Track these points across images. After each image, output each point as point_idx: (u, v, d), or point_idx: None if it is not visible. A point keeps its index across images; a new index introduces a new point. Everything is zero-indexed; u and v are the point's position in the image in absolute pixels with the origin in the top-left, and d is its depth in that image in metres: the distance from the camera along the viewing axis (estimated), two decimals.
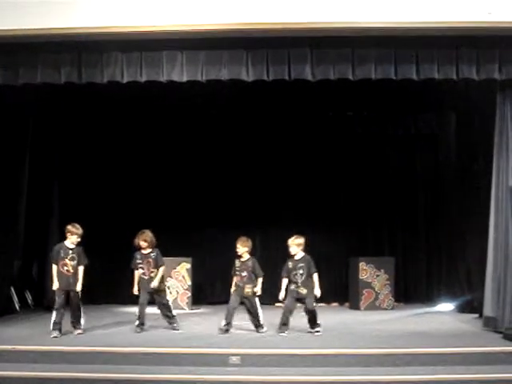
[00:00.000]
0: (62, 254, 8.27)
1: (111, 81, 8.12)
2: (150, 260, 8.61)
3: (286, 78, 8.02)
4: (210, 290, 11.99)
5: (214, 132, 11.87)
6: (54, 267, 8.28)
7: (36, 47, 8.03)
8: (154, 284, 8.47)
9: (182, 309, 10.72)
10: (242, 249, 8.58)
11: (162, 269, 8.61)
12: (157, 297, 8.61)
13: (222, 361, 7.04)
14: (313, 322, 8.41)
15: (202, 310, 11.04)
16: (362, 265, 11.10)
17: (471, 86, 8.68)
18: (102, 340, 7.96)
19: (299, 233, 8.78)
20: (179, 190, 12.04)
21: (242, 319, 8.79)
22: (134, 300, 10.96)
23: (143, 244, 8.62)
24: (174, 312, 8.79)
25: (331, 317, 8.97)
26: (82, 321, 8.34)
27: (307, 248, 8.76)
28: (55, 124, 11.42)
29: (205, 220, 11.94)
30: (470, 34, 7.84)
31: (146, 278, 8.56)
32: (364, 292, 11.08)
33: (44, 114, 10.91)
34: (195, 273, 11.26)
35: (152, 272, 8.56)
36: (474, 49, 7.95)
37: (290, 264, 8.55)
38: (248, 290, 8.48)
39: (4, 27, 7.74)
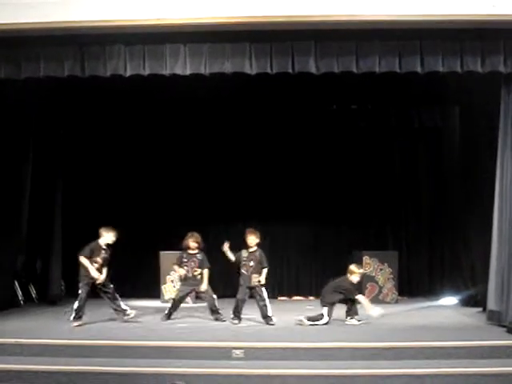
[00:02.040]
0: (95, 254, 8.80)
1: (114, 74, 8.10)
2: (196, 260, 9.16)
3: (290, 71, 7.98)
4: (213, 283, 11.96)
5: (217, 126, 11.84)
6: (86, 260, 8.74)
7: (38, 41, 8.01)
8: (204, 287, 9.06)
9: (186, 303, 10.69)
10: (255, 240, 8.81)
11: (206, 271, 9.14)
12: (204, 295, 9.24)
13: (225, 354, 7.05)
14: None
15: (205, 303, 11.01)
16: (366, 258, 11.09)
17: (475, 78, 8.63)
18: (106, 333, 7.99)
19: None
20: (183, 185, 12.03)
21: (250, 310, 8.92)
22: (134, 294, 11.07)
23: (193, 245, 9.16)
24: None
25: (334, 310, 8.95)
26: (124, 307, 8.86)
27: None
28: (58, 120, 11.41)
29: (209, 214, 11.93)
30: (474, 26, 7.80)
31: (189, 275, 9.16)
32: (368, 286, 11.06)
33: (47, 110, 10.90)
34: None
35: (195, 271, 9.12)
36: (479, 42, 7.90)
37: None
38: (255, 279, 8.68)
39: (6, 21, 7.72)
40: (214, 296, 9.14)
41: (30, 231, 10.79)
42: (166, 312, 9.10)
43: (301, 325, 8.54)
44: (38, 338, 7.52)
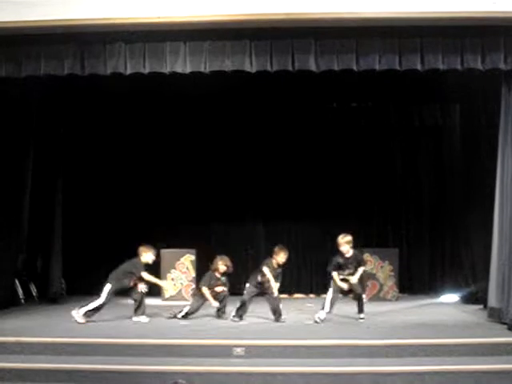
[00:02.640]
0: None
1: (114, 72, 8.10)
2: (220, 283, 9.11)
3: (290, 68, 7.98)
4: (214, 281, 11.97)
5: (218, 125, 11.86)
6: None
7: (39, 39, 8.01)
8: (219, 289, 9.06)
9: (187, 301, 10.70)
10: (285, 258, 8.83)
11: (226, 288, 9.16)
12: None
13: (226, 352, 7.06)
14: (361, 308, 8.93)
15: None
16: (367, 256, 11.05)
17: (476, 76, 8.64)
18: (107, 331, 8.00)
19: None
20: (184, 183, 12.02)
21: (251, 307, 8.95)
22: None
23: (223, 268, 9.10)
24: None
25: (336, 308, 8.97)
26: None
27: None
28: (59, 118, 11.42)
29: (209, 212, 11.95)
30: (474, 23, 7.80)
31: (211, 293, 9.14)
32: (368, 283, 11.06)
33: (48, 109, 10.91)
34: (199, 264, 11.26)
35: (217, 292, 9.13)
36: (479, 39, 7.89)
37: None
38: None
39: (6, 19, 7.72)
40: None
41: (30, 230, 10.80)
42: (179, 316, 9.02)
43: (319, 321, 8.60)
44: (38, 337, 7.52)
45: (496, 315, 8.36)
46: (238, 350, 7.07)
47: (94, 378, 6.64)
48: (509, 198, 8.21)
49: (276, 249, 8.88)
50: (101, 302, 8.65)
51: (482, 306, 9.50)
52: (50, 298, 10.75)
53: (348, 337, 7.55)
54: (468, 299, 10.48)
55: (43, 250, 11.25)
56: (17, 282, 10.49)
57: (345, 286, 8.84)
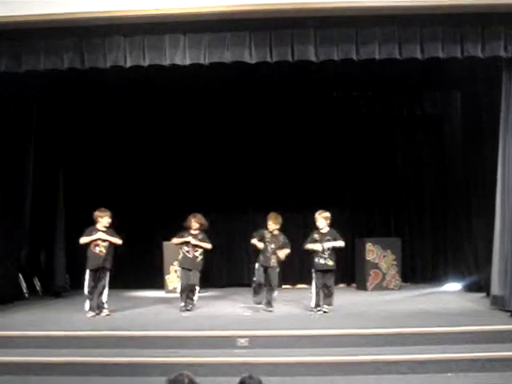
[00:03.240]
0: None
1: (114, 66, 8.09)
2: (199, 240, 9.01)
3: (290, 59, 7.97)
4: (216, 273, 12.01)
5: (218, 115, 11.84)
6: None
7: (38, 33, 8.01)
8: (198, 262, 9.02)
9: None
10: (274, 226, 8.79)
11: (208, 246, 9.08)
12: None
13: (230, 343, 7.07)
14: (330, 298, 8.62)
15: (208, 293, 11.06)
16: (369, 245, 11.10)
17: (476, 64, 8.61)
18: (111, 324, 8.02)
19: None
20: (185, 174, 12.03)
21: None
22: (137, 285, 11.12)
23: (195, 225, 9.03)
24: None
25: (338, 297, 8.99)
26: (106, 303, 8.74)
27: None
28: (59, 112, 11.40)
29: (210, 203, 11.93)
30: (474, 11, 7.77)
31: (189, 256, 9.03)
32: (371, 273, 11.09)
33: (48, 103, 10.90)
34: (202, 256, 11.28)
35: (196, 251, 9.01)
36: (479, 26, 7.86)
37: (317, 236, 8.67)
38: (273, 260, 8.72)
39: (6, 14, 7.71)
40: (194, 284, 9.03)
41: (33, 224, 10.82)
42: (183, 304, 8.98)
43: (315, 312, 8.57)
44: (43, 331, 7.54)
45: (499, 303, 8.37)
46: (242, 340, 7.08)
47: (99, 370, 6.65)
48: (510, 186, 8.20)
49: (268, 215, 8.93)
50: (85, 291, 8.65)
51: (484, 294, 9.52)
52: (54, 292, 10.78)
53: (351, 326, 7.57)
54: (471, 287, 10.49)
55: (46, 245, 11.26)
56: (20, 276, 10.51)
57: (319, 247, 8.58)
